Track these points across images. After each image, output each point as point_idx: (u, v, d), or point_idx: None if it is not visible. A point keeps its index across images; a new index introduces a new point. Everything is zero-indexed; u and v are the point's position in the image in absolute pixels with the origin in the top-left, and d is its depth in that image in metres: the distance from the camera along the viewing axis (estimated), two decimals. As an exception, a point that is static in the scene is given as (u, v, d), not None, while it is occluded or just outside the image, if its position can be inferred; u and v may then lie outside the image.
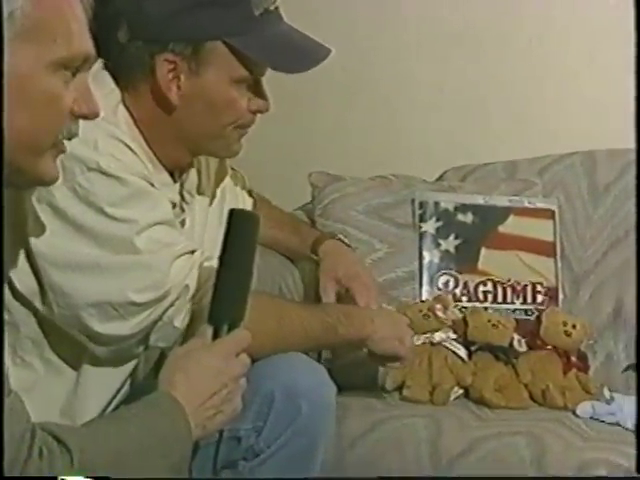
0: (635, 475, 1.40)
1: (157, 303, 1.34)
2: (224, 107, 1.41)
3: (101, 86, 1.37)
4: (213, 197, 1.56)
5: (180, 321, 1.35)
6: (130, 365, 1.42)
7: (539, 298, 1.94)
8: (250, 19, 1.38)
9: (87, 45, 1.06)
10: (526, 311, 1.93)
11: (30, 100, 1.00)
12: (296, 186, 2.08)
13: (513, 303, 1.94)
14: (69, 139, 1.08)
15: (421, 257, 1.96)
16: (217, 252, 1.18)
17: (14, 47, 0.97)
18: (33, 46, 0.99)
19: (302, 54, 1.43)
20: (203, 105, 1.40)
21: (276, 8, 1.43)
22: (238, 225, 1.17)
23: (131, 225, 1.32)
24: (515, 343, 1.83)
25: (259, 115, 1.46)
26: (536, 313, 1.91)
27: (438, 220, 1.98)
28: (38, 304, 1.33)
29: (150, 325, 1.35)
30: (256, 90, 1.44)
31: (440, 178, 2.17)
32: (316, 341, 1.48)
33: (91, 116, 1.08)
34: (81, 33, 1.04)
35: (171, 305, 1.35)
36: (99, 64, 1.40)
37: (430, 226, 1.98)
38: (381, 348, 1.51)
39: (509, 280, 1.95)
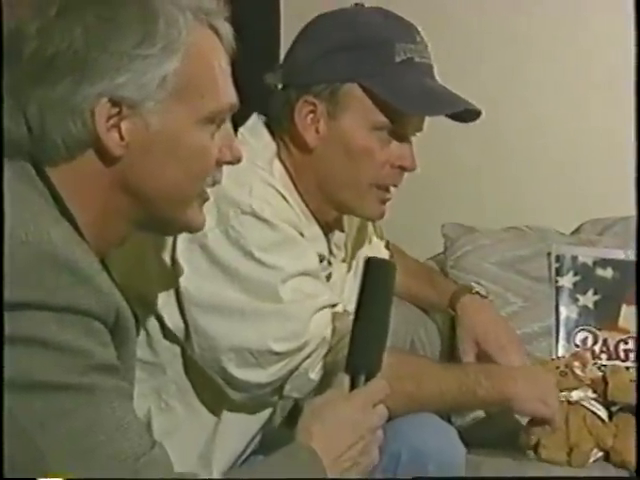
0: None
1: (295, 354, 1.34)
2: (360, 154, 1.40)
3: (258, 139, 1.40)
4: (354, 250, 1.55)
5: (315, 373, 1.35)
6: (266, 413, 1.42)
7: (685, 358, 1.86)
8: (389, 64, 1.39)
9: (231, 96, 1.08)
10: (671, 372, 1.85)
11: (181, 155, 1.04)
12: (428, 237, 2.05)
13: (657, 363, 1.86)
14: (213, 186, 1.11)
15: (558, 312, 1.91)
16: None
17: (166, 107, 1.01)
18: (184, 105, 1.03)
19: (438, 101, 1.41)
20: (340, 151, 1.40)
21: (427, 63, 1.42)
22: (374, 273, 1.15)
23: (277, 272, 1.33)
24: (660, 405, 1.74)
25: None
26: (681, 374, 1.82)
27: (576, 274, 1.93)
28: (183, 341, 1.35)
29: (286, 375, 1.34)
30: (402, 145, 1.42)
31: (577, 231, 2.11)
32: (453, 403, 1.45)
33: (235, 162, 1.11)
34: (226, 85, 1.07)
35: (308, 357, 1.34)
36: (256, 115, 1.43)
37: (567, 281, 1.92)
38: (524, 410, 1.46)
39: (653, 338, 1.87)
